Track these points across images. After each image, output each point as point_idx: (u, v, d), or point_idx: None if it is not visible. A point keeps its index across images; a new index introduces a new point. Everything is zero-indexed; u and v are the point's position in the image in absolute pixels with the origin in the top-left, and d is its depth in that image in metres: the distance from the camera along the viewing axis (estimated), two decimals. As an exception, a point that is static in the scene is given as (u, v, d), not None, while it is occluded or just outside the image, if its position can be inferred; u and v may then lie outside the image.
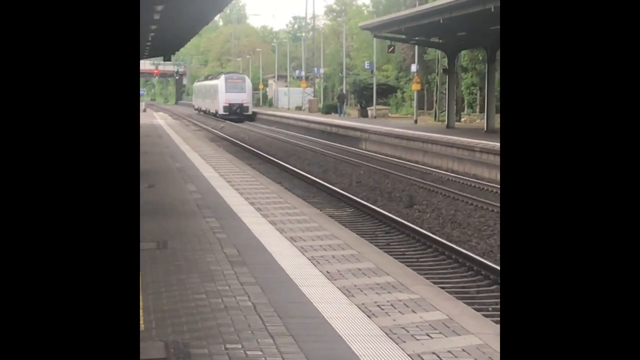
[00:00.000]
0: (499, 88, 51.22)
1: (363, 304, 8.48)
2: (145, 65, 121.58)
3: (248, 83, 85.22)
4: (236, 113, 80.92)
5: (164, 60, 68.99)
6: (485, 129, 43.78)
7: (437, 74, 62.64)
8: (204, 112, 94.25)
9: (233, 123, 74.59)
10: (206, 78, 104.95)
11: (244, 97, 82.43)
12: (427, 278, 11.85)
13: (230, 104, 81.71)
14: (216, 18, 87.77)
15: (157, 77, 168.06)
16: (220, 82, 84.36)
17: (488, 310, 11.86)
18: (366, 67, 76.46)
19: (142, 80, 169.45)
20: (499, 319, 10.81)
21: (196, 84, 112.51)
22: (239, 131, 62.20)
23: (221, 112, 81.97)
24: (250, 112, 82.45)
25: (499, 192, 4.70)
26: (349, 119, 62.72)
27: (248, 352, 6.88)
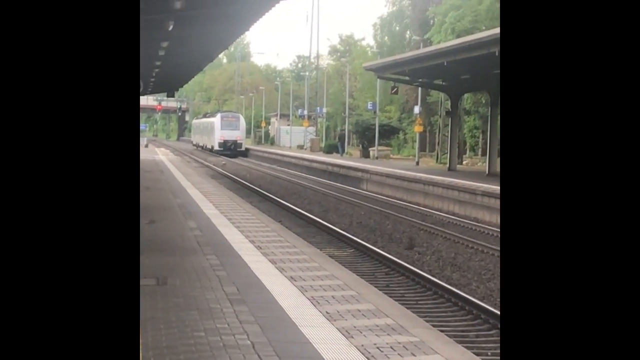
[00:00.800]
0: (501, 132, 51.34)
1: (362, 345, 8.47)
2: (148, 100, 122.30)
3: (242, 121, 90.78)
4: (230, 149, 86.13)
5: (167, 97, 69.14)
6: (487, 172, 43.83)
7: (440, 116, 62.81)
8: (202, 147, 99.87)
9: (228, 158, 78.91)
10: (204, 116, 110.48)
11: (237, 135, 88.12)
12: (427, 321, 11.83)
13: (224, 140, 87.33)
14: (220, 55, 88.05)
15: (159, 113, 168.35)
16: (216, 120, 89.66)
17: (487, 355, 11.83)
18: (369, 107, 76.67)
19: (144, 115, 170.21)
20: (498, 363, 10.79)
21: (194, 121, 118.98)
22: (240, 169, 62.29)
23: (216, 147, 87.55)
24: (243, 149, 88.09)
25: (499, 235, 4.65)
26: (350, 159, 62.78)
27: (246, 392, 6.87)
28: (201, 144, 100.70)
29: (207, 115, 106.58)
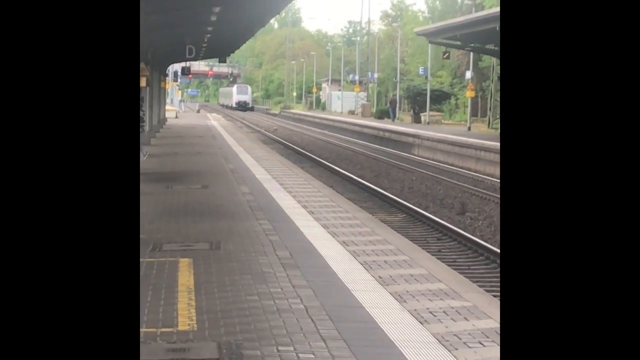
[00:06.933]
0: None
1: (415, 309, 8.47)
2: (200, 66, 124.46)
3: (250, 90, 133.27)
4: (242, 106, 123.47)
5: (219, 62, 69.43)
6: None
7: (492, 81, 62.29)
8: (225, 106, 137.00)
9: (240, 112, 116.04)
10: (227, 86, 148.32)
11: (247, 98, 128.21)
12: (480, 286, 11.79)
13: (239, 101, 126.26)
14: (272, 21, 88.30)
15: (211, 79, 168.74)
16: (234, 89, 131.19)
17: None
18: (420, 72, 76.35)
19: (195, 81, 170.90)
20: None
21: (220, 89, 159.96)
22: (292, 134, 62.37)
23: (234, 105, 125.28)
24: (250, 106, 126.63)
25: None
26: (401, 125, 62.58)
27: (300, 355, 6.89)
28: (225, 104, 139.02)
29: (228, 85, 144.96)
